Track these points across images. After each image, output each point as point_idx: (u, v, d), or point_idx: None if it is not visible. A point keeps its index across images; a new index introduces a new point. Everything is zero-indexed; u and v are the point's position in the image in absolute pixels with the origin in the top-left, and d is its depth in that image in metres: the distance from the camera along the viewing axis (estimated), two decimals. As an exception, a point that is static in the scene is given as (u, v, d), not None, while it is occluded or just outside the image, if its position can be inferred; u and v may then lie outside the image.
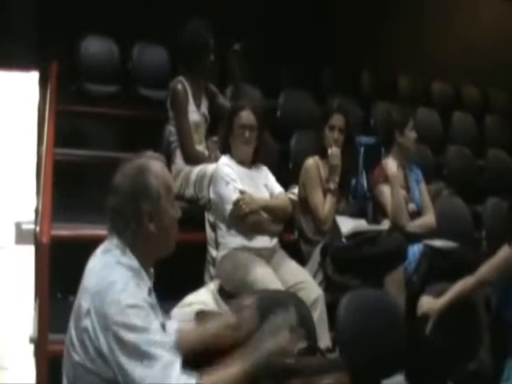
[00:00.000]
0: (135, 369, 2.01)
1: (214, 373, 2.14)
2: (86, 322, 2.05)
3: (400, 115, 4.77)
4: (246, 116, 4.14)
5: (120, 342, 2.01)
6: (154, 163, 2.26)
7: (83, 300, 2.10)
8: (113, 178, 2.25)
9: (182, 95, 4.72)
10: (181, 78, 4.77)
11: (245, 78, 6.18)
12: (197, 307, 3.77)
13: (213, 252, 4.15)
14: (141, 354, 2.01)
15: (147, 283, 2.22)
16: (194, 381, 2.06)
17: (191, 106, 4.78)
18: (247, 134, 4.11)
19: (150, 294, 2.22)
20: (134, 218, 2.18)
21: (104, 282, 2.08)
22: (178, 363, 2.08)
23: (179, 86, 4.72)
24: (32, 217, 7.20)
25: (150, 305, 2.14)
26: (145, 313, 2.07)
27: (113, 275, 2.10)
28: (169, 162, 4.75)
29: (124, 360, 2.01)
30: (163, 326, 2.26)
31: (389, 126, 4.80)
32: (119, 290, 2.05)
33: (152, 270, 2.33)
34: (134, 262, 2.18)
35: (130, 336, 2.01)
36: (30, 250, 7.16)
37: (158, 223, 2.21)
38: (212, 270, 4.12)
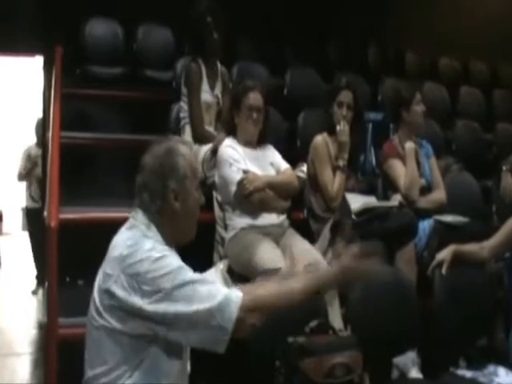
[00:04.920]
0: (178, 305, 2.11)
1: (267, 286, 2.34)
2: (114, 287, 2.14)
3: (406, 92, 4.71)
4: (255, 97, 4.12)
5: (159, 291, 2.11)
6: (182, 146, 2.37)
7: (109, 268, 2.19)
8: (141, 158, 2.35)
9: (196, 73, 4.73)
10: (196, 58, 4.79)
11: (251, 56, 6.14)
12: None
13: (221, 232, 4.14)
14: (182, 289, 2.12)
15: None
16: (240, 294, 2.18)
17: (205, 86, 4.78)
18: (255, 115, 4.10)
19: None
20: (160, 194, 2.29)
21: (131, 248, 2.18)
22: (218, 284, 2.26)
23: (193, 64, 4.76)
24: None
25: None
26: (175, 257, 2.22)
27: (139, 244, 2.20)
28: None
29: (167, 305, 2.10)
30: None
31: (396, 104, 4.74)
32: (147, 249, 2.17)
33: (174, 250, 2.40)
34: (159, 238, 2.27)
35: (167, 283, 2.11)
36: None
37: (182, 202, 2.31)
38: (221, 250, 4.11)
